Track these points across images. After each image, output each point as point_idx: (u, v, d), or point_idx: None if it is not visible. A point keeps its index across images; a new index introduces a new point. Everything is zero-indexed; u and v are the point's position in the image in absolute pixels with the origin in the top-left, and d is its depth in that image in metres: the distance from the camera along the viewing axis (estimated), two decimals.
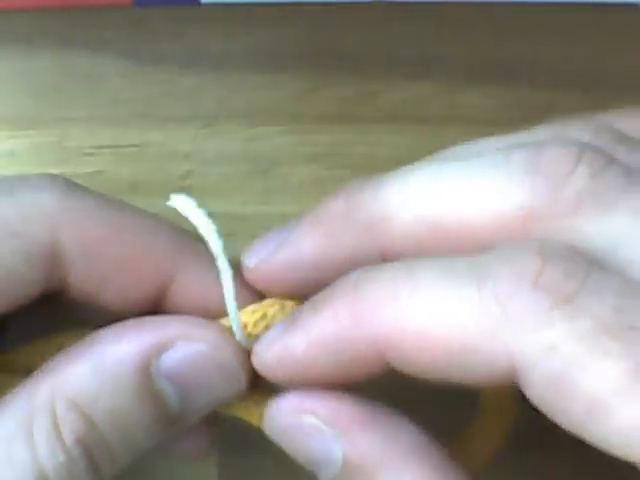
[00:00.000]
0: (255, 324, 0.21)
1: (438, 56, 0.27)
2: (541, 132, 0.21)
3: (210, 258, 0.21)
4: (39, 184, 0.22)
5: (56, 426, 0.19)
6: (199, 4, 0.26)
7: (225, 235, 0.26)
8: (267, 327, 0.21)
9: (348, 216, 0.20)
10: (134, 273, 0.22)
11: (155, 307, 0.22)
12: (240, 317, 0.21)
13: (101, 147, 0.27)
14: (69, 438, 0.19)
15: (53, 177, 0.22)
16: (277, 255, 0.21)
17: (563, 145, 0.19)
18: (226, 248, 0.23)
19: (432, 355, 0.18)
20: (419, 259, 0.19)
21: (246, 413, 0.22)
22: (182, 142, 0.27)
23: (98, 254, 0.21)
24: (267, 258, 0.22)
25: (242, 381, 0.21)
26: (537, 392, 0.17)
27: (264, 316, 0.22)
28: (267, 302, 0.22)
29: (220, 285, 0.21)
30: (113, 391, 0.20)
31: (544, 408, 0.17)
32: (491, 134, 0.27)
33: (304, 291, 0.21)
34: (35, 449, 0.19)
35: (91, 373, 0.20)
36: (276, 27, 0.27)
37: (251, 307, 0.22)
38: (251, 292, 0.22)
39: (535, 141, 0.20)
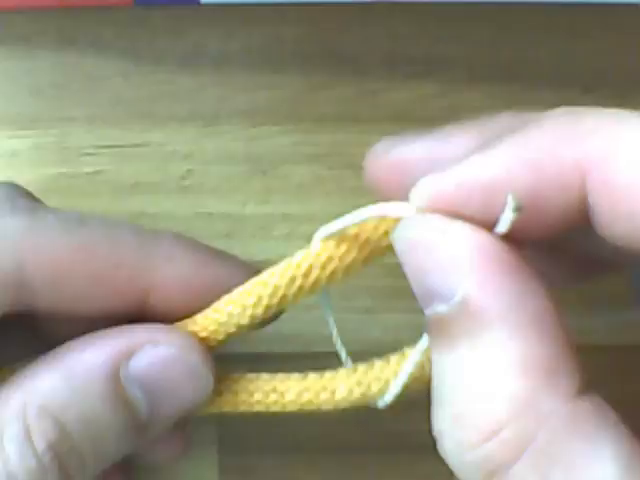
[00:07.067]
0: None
1: (438, 56, 0.27)
2: None
3: (182, 251, 0.22)
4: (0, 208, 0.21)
5: (27, 433, 0.19)
6: (199, 4, 0.26)
7: (225, 235, 0.27)
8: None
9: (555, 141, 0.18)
10: (108, 287, 0.21)
11: (142, 312, 0.22)
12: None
13: (101, 147, 0.27)
14: (40, 444, 0.19)
15: (12, 198, 0.21)
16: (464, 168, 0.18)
17: None
18: (225, 248, 0.23)
19: None
20: None
21: (217, 407, 0.22)
22: (182, 142, 0.27)
23: (67, 276, 0.21)
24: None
25: (210, 382, 0.21)
26: None
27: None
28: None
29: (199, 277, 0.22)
30: (84, 397, 0.19)
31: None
32: None
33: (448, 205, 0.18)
34: (5, 455, 0.19)
35: (62, 380, 0.20)
36: (276, 27, 0.27)
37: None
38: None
39: None
